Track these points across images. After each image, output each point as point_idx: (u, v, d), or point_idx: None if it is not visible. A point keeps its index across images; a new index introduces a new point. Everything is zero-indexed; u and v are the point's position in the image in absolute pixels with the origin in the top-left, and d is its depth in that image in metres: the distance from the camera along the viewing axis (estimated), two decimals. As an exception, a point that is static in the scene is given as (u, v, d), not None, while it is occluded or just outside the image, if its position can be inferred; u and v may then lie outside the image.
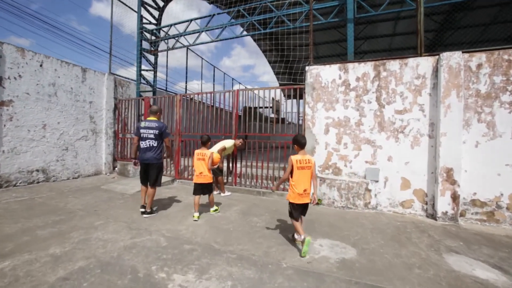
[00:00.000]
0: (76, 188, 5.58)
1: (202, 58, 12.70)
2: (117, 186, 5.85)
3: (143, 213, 3.93)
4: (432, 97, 4.34)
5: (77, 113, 6.60)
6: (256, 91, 5.61)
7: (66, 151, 6.34)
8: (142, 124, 4.00)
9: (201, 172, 4.04)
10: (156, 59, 8.44)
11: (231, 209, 4.50)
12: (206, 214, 4.11)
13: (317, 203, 4.88)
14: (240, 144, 5.55)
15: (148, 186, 4.05)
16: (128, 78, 8.39)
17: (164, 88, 10.12)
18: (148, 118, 4.12)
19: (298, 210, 3.00)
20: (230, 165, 6.00)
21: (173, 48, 8.05)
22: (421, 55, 4.47)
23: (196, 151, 4.17)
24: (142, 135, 3.93)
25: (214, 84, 14.95)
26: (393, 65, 4.59)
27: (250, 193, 5.60)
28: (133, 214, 3.97)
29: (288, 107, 24.23)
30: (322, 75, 5.09)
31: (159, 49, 8.33)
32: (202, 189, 4.05)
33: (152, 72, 8.55)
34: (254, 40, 13.45)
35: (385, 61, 4.66)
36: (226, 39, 7.07)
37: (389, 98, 4.61)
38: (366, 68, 4.77)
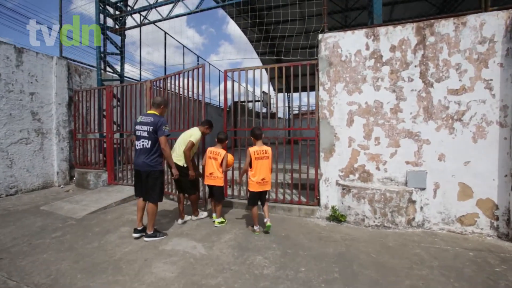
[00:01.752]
0: (1, 212, 3.97)
1: (166, 33, 11.00)
2: (64, 205, 4.28)
3: (138, 237, 3.02)
4: (505, 69, 3.05)
5: (9, 108, 4.92)
6: (250, 72, 4.20)
7: (-7, 160, 4.68)
8: (138, 119, 3.10)
9: (212, 172, 3.56)
10: (123, 40, 6.80)
11: (222, 238, 3.07)
12: (182, 251, 2.66)
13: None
14: (207, 131, 3.72)
15: (144, 200, 3.11)
16: (88, 65, 6.71)
17: (136, 78, 8.45)
18: (148, 112, 3.21)
19: (257, 197, 3.30)
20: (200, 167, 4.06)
21: (143, 24, 6.44)
22: (486, 10, 3.17)
23: (210, 149, 3.64)
24: (136, 133, 3.03)
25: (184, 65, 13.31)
26: (445, 26, 3.27)
27: (246, 208, 4.18)
28: (63, 263, 2.45)
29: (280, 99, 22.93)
30: (342, 45, 3.71)
31: (127, 26, 6.69)
32: (210, 192, 3.66)
33: (119, 57, 6.90)
34: (232, 18, 11.86)
35: (432, 21, 3.33)
36: (202, 10, 5.55)
37: (439, 73, 3.30)
38: (405, 32, 3.42)
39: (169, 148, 3.07)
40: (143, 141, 2.95)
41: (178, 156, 3.47)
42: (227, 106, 4.40)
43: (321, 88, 3.82)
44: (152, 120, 2.96)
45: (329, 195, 3.79)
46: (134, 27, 6.55)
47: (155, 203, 3.01)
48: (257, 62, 18.12)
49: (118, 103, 6.11)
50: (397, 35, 3.46)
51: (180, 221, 3.57)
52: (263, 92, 14.42)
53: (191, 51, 12.56)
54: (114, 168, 5.51)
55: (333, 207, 3.73)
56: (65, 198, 4.67)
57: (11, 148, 4.93)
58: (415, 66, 3.39)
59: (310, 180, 4.38)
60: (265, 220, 3.24)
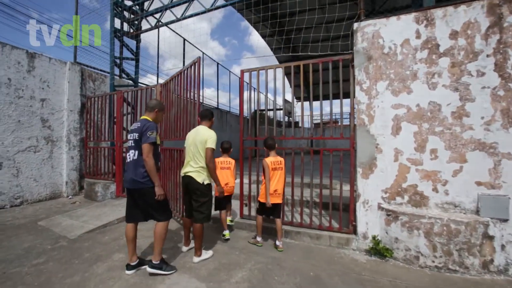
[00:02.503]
0: (-3, 227, 3.64)
1: (185, 40, 10.78)
2: (63, 220, 3.87)
3: (132, 269, 2.45)
4: None
5: (18, 114, 4.72)
6: (270, 72, 3.60)
7: (-2, 169, 4.45)
8: (130, 127, 2.67)
9: (227, 183, 3.42)
10: (138, 44, 6.57)
11: (232, 277, 2.41)
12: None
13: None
14: (212, 123, 2.98)
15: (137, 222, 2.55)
16: (103, 71, 6.53)
17: (150, 83, 8.22)
18: (140, 118, 2.68)
19: (268, 210, 3.08)
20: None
21: (157, 26, 6.15)
22: None
23: (219, 159, 3.46)
24: (128, 143, 2.62)
25: (202, 72, 13.08)
26: (532, 1, 2.45)
27: (264, 232, 3.49)
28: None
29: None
30: (383, 34, 2.99)
31: (142, 29, 6.45)
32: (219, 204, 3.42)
33: (134, 62, 6.66)
34: (241, 13, 11.36)
35: (512, -5, 2.52)
36: (217, 8, 5.10)
37: (524, 63, 2.46)
38: (471, 13, 2.64)
39: (152, 159, 2.32)
40: (130, 152, 2.45)
41: (195, 169, 2.68)
42: (246, 114, 3.82)
43: (357, 88, 3.10)
44: (139, 125, 2.43)
45: (369, 221, 3.00)
46: (150, 29, 6.29)
47: (164, 222, 2.45)
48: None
49: (133, 110, 5.79)
50: (460, 18, 2.68)
51: (185, 248, 2.96)
52: (285, 100, 13.78)
53: (209, 57, 12.31)
54: (123, 180, 5.10)
55: (374, 238, 2.93)
56: (68, 212, 4.29)
57: (19, 156, 4.70)
58: (487, 56, 2.57)
59: (342, 199, 3.61)
60: (277, 243, 3.08)
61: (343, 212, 3.42)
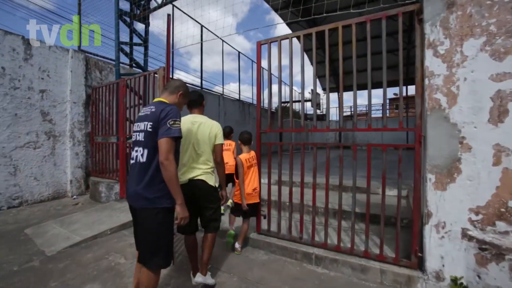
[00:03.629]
0: (-21, 235, 3.18)
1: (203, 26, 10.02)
2: (51, 229, 3.33)
3: None
4: None
5: (14, 107, 4.29)
6: (296, 43, 2.68)
7: (-7, 167, 4.06)
8: (138, 114, 1.80)
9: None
10: (146, 28, 5.93)
11: None
12: None
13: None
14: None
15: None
16: (112, 59, 6.00)
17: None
18: (154, 100, 1.78)
19: (245, 211, 2.70)
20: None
21: (165, 3, 5.43)
22: None
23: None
24: (133, 137, 1.69)
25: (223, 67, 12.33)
26: None
27: (288, 256, 2.61)
28: None
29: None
30: (477, -36, 1.89)
31: (151, 12, 5.79)
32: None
33: (143, 49, 6.05)
34: None
35: None
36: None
37: None
38: None
39: (174, 163, 1.51)
40: (137, 150, 1.59)
41: (205, 171, 2.06)
42: (271, 108, 2.96)
43: (429, 53, 2.05)
44: (153, 110, 1.59)
45: (446, 254, 1.99)
46: (158, 7, 5.59)
47: (155, 271, 1.59)
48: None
49: (140, 100, 5.17)
50: None
51: (200, 278, 2.08)
52: (312, 91, 12.64)
53: (228, 44, 11.50)
54: (127, 179, 4.52)
55: (455, 281, 1.92)
56: (63, 217, 3.77)
57: (16, 153, 4.29)
58: None
59: (401, 214, 2.61)
60: (236, 246, 2.74)
61: (402, 232, 2.42)
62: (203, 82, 10.10)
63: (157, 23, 30.02)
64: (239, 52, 12.81)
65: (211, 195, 2.09)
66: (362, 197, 2.63)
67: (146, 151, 1.53)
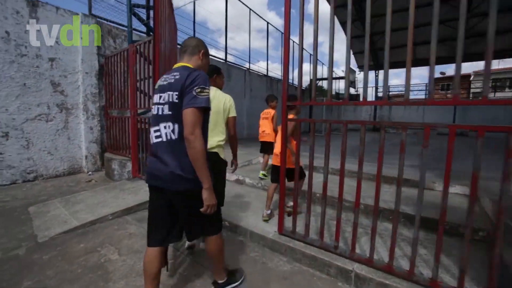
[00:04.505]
0: (-17, 210, 3.02)
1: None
2: (54, 208, 3.06)
3: None
4: None
5: (23, 76, 4.01)
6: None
7: (4, 139, 3.88)
8: (158, 82, 1.48)
9: (264, 130, 4.19)
10: (161, -11, 5.24)
11: None
12: None
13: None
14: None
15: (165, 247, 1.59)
16: (125, 26, 5.48)
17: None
18: (175, 66, 1.49)
19: (276, 173, 2.69)
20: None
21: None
22: None
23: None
24: (153, 110, 1.44)
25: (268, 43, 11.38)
26: None
27: (317, 268, 1.99)
28: None
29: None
30: None
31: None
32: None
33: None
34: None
35: None
36: None
37: None
38: None
39: (201, 138, 1.27)
40: (164, 127, 1.35)
41: (218, 143, 1.97)
42: (301, 86, 2.20)
43: None
44: (177, 76, 1.35)
45: None
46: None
47: (218, 235, 1.56)
48: (339, 46, 14.59)
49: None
50: None
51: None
52: (350, 69, 11.28)
53: (257, 14, 10.42)
54: (138, 157, 4.15)
55: None
56: (70, 196, 3.51)
57: (27, 126, 4.09)
58: None
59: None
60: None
61: (474, 247, 1.63)
62: (229, 56, 9.35)
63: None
64: (267, 23, 11.68)
65: (223, 170, 2.02)
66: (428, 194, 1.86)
67: (177, 126, 1.32)
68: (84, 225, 2.67)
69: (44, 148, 4.31)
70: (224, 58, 9.15)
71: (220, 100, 2.01)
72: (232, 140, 2.14)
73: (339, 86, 18.87)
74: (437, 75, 27.12)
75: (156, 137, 1.36)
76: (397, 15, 14.72)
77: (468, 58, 17.02)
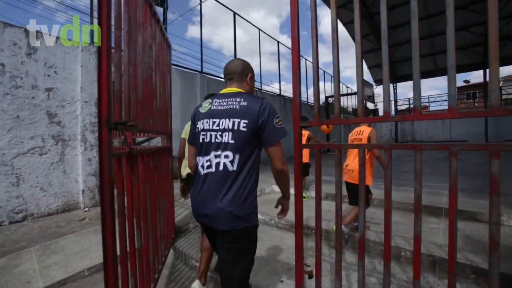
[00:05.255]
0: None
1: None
2: (27, 260, 2.56)
3: None
4: None
5: (16, 108, 3.78)
6: None
7: (-8, 177, 3.58)
8: (204, 107, 1.36)
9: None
10: None
11: None
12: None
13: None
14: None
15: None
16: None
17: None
18: (226, 91, 1.38)
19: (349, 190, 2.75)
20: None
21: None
22: None
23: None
24: (201, 137, 1.31)
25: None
26: None
27: None
28: None
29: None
30: None
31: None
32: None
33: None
34: None
35: None
36: None
37: None
38: None
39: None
40: (218, 156, 1.24)
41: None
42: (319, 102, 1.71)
43: None
44: (245, 104, 1.25)
45: None
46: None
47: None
48: (349, 62, 14.26)
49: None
50: None
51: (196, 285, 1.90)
52: (364, 81, 10.75)
53: (266, 34, 10.33)
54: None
55: None
56: (53, 240, 3.03)
57: (18, 161, 3.79)
58: None
59: None
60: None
61: None
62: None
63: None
64: (278, 43, 11.55)
65: None
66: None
67: (237, 156, 1.22)
68: (51, 286, 2.13)
69: (37, 184, 3.96)
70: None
71: None
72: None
73: (354, 102, 18.18)
74: (460, 83, 25.71)
75: (207, 167, 1.26)
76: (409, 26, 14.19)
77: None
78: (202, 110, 1.34)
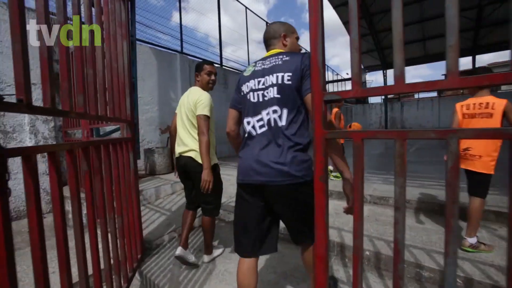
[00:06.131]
0: None
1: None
2: None
3: None
4: None
5: None
6: None
7: None
8: (247, 70, 1.37)
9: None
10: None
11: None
12: None
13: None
14: (210, 77, 2.18)
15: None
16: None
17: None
18: (267, 54, 1.34)
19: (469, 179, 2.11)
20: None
21: None
22: None
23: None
24: (248, 99, 1.30)
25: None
26: None
27: None
28: None
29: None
30: None
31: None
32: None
33: None
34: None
35: None
36: None
37: None
38: None
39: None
40: (267, 113, 1.22)
41: (193, 147, 2.00)
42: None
43: None
44: (287, 58, 1.21)
45: None
46: None
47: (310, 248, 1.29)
48: (339, 50, 13.61)
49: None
50: None
51: (179, 250, 2.02)
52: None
53: (253, 12, 9.45)
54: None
55: None
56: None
57: None
58: None
59: None
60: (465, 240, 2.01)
61: None
62: (229, 63, 8.29)
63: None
64: (266, 23, 10.68)
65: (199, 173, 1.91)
66: None
67: (285, 111, 1.19)
68: None
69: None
70: (219, 62, 8.08)
71: (189, 98, 2.03)
72: (199, 142, 1.91)
73: (346, 87, 17.78)
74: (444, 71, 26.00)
75: (260, 126, 1.24)
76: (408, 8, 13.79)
77: (483, 49, 15.86)
78: (246, 73, 1.35)
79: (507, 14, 12.56)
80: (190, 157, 1.98)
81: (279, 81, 1.18)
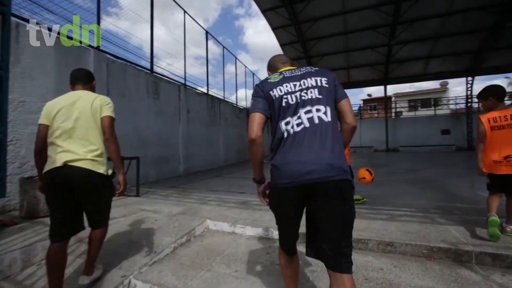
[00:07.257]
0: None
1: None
2: None
3: None
4: None
5: None
6: None
7: None
8: (273, 77, 1.40)
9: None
10: None
11: None
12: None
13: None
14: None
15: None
16: None
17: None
18: (286, 68, 1.50)
19: (498, 184, 2.36)
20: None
21: None
22: None
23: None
24: (284, 101, 1.31)
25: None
26: None
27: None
28: None
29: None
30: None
31: None
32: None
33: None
34: None
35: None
36: None
37: None
38: None
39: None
40: (309, 111, 1.28)
41: (90, 155, 1.74)
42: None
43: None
44: (319, 69, 1.40)
45: None
46: None
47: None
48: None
49: None
50: None
51: (86, 280, 1.87)
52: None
53: (192, 18, 8.56)
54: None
55: None
56: None
57: None
58: None
59: None
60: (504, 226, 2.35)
61: None
62: (157, 67, 6.99)
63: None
64: (207, 33, 9.93)
65: (100, 185, 1.78)
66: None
67: (329, 108, 1.28)
68: None
69: None
70: (149, 68, 6.75)
71: (84, 102, 1.84)
72: (111, 146, 1.82)
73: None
74: (365, 96, 30.65)
75: (298, 124, 1.26)
76: (331, 39, 15.27)
77: (391, 81, 19.01)
78: (273, 79, 1.37)
79: (410, 53, 15.42)
80: (84, 168, 1.69)
81: (319, 84, 1.31)
